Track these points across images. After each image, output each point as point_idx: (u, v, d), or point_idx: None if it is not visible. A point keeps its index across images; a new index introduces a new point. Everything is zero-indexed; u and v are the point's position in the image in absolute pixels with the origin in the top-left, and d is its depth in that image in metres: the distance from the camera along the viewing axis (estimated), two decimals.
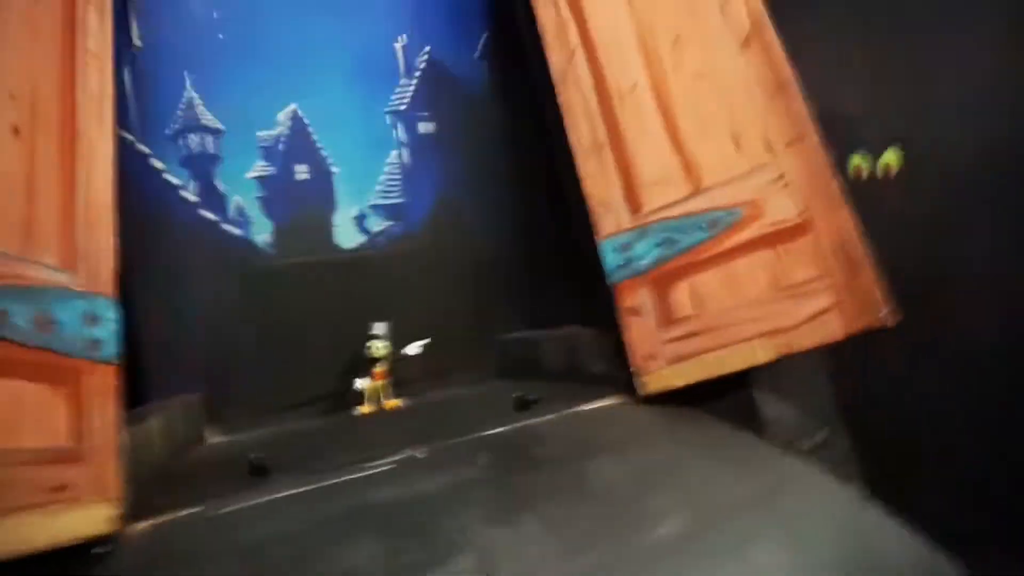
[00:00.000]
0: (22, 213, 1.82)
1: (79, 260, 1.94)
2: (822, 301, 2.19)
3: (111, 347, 1.96)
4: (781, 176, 2.26)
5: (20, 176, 1.83)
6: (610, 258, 2.62)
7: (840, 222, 2.17)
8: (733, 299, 2.38)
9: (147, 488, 2.31)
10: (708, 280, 2.42)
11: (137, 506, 2.04)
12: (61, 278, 1.88)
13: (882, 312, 2.09)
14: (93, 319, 1.93)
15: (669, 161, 2.50)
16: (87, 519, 1.78)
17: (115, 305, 2.00)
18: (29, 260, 1.80)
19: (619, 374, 2.77)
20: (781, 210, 2.27)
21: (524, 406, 2.72)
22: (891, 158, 2.73)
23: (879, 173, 2.75)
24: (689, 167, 2.46)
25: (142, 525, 1.94)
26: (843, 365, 2.61)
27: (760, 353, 2.30)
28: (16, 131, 1.84)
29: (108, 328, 1.96)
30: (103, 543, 1.81)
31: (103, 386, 1.92)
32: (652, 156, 2.55)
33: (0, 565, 1.54)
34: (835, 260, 2.18)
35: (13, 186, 1.81)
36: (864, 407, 2.61)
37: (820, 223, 2.21)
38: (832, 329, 2.18)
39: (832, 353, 2.44)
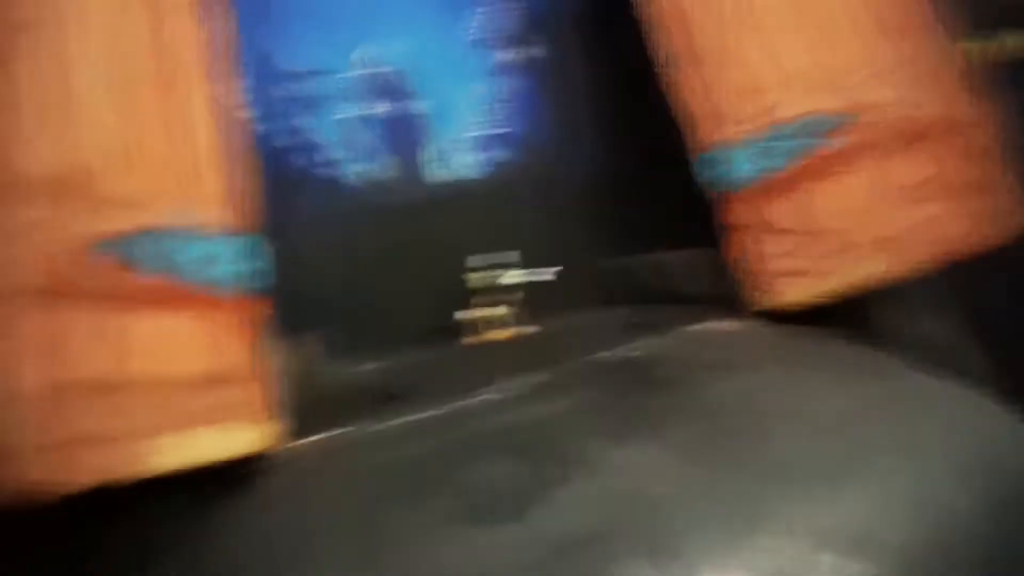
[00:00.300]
0: (169, 158, 1.95)
1: (216, 202, 2.08)
2: (955, 206, 2.07)
3: (256, 281, 2.12)
4: (903, 68, 2.11)
5: (162, 122, 1.94)
6: (711, 173, 2.52)
7: (977, 116, 2.01)
8: (848, 209, 2.26)
9: (292, 413, 2.53)
10: (817, 190, 2.30)
11: (293, 426, 2.25)
12: (203, 219, 2.03)
13: None
14: (236, 257, 2.08)
15: (771, 66, 2.36)
16: (246, 437, 1.95)
17: (258, 242, 2.17)
18: (173, 204, 1.95)
19: (728, 293, 2.73)
20: (903, 106, 2.13)
21: (636, 329, 2.73)
22: None
23: None
24: (794, 72, 2.31)
25: (290, 445, 2.14)
26: (977, 274, 2.45)
27: (876, 264, 2.20)
28: (156, 79, 1.96)
29: (249, 265, 2.12)
30: (258, 461, 2.01)
31: (253, 318, 2.09)
32: (753, 61, 2.39)
33: (177, 480, 1.75)
34: (972, 160, 2.03)
35: (157, 132, 1.92)
36: (1003, 318, 2.44)
37: (952, 118, 2.06)
38: (965, 237, 2.05)
39: (965, 262, 2.30)
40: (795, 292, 2.39)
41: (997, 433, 1.81)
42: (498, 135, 3.74)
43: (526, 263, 3.23)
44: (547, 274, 3.21)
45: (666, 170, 3.21)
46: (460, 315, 3.39)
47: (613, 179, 3.85)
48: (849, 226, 2.30)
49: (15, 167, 1.64)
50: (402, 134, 3.65)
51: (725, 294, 2.77)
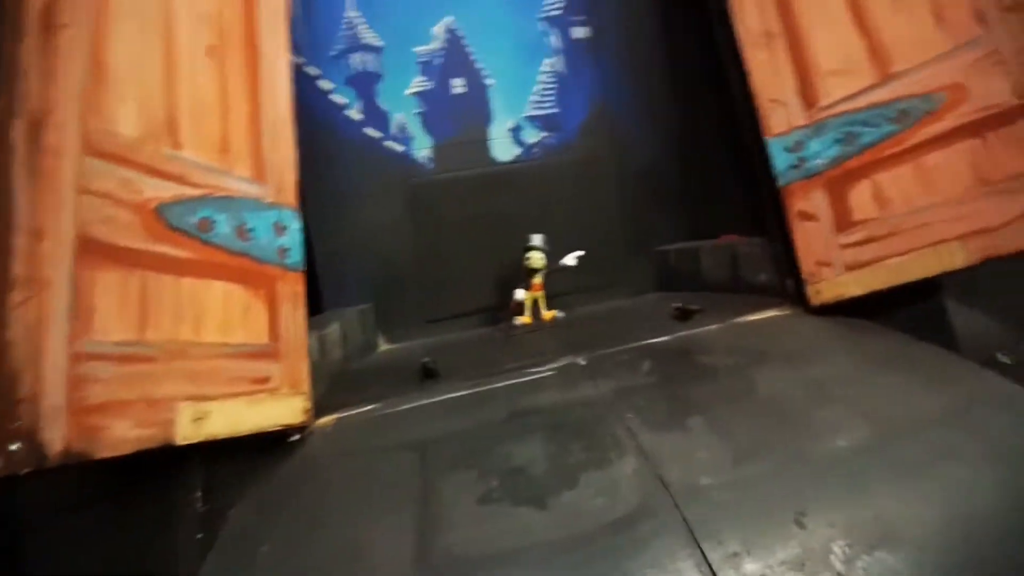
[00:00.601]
0: (218, 129, 2.01)
1: (267, 173, 2.13)
2: None
3: (297, 255, 2.16)
4: (995, 51, 1.96)
5: (215, 94, 2.02)
6: (780, 159, 2.44)
7: None
8: (926, 198, 2.14)
9: (331, 386, 2.57)
10: (895, 178, 2.20)
11: (323, 402, 2.29)
12: (253, 190, 2.08)
13: None
14: (281, 228, 2.12)
15: (852, 45, 2.25)
16: (284, 409, 2.01)
17: (298, 215, 2.19)
18: (227, 173, 2.01)
19: (787, 284, 2.64)
20: (992, 92, 1.98)
21: (686, 316, 2.68)
22: None
23: None
24: (876, 51, 2.20)
25: (328, 418, 2.17)
26: None
27: (956, 257, 2.07)
28: (210, 51, 2.03)
29: (294, 237, 2.16)
30: (295, 433, 2.04)
31: (292, 291, 2.13)
32: (832, 41, 2.31)
33: (217, 447, 1.78)
34: None
35: (211, 103, 2.00)
36: None
37: None
38: None
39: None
40: (862, 284, 2.30)
41: None
42: (556, 116, 3.70)
43: (573, 246, 3.20)
44: (582, 257, 3.16)
45: (731, 155, 3.11)
46: (502, 296, 3.39)
47: (675, 164, 3.77)
48: (931, 217, 2.17)
49: (102, 128, 1.69)
50: (470, 111, 3.65)
51: (783, 284, 2.68)
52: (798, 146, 2.40)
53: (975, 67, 2.00)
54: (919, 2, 2.10)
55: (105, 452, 1.51)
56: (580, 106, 3.74)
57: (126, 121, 1.72)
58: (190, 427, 1.69)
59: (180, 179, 1.84)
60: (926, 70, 2.10)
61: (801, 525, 1.49)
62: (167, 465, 1.73)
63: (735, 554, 1.44)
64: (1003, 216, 1.99)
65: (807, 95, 2.38)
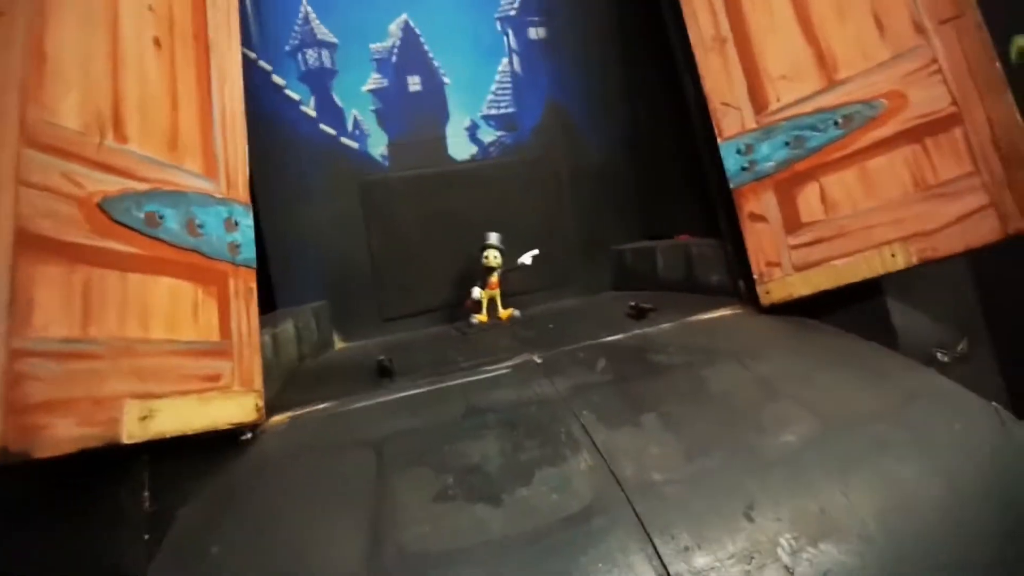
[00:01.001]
0: (167, 122, 1.97)
1: (218, 167, 2.10)
2: (974, 200, 2.01)
3: (249, 251, 2.14)
4: (932, 61, 2.05)
5: (163, 86, 1.98)
6: (732, 161, 2.52)
7: (1000, 111, 1.95)
8: (869, 201, 2.23)
9: (285, 385, 2.55)
10: (841, 181, 2.28)
11: (277, 400, 2.26)
12: (204, 184, 2.05)
13: None
14: (233, 224, 2.09)
15: (800, 52, 2.33)
16: (235, 407, 1.98)
17: (250, 211, 2.16)
18: (175, 167, 1.97)
19: (738, 284, 2.71)
20: (930, 100, 2.07)
21: (640, 315, 2.74)
22: None
23: None
24: (823, 57, 2.29)
25: (281, 417, 2.14)
26: (988, 271, 2.39)
27: (898, 258, 2.16)
28: (158, 43, 1.98)
29: (246, 233, 2.14)
30: (247, 432, 2.01)
31: (244, 288, 2.10)
32: (781, 48, 2.38)
33: (165, 446, 1.74)
34: (992, 154, 1.97)
35: (158, 95, 1.96)
36: (1012, 316, 2.40)
37: (975, 113, 2.00)
38: (985, 231, 2.00)
39: (977, 258, 2.24)
40: (809, 284, 2.37)
41: (1011, 444, 1.78)
42: (512, 115, 3.71)
43: (529, 245, 3.22)
44: (538, 256, 3.19)
45: (684, 157, 3.18)
46: (459, 294, 3.40)
47: (630, 164, 3.82)
48: (874, 220, 2.26)
49: (43, 119, 1.64)
50: (426, 109, 3.64)
51: (734, 284, 2.75)
52: (749, 149, 2.47)
53: (914, 76, 2.09)
54: (862, 12, 2.18)
55: (46, 452, 1.47)
56: (535, 106, 3.77)
57: (69, 113, 1.67)
58: (137, 425, 1.65)
59: (126, 173, 1.79)
60: (869, 77, 2.19)
61: (749, 519, 1.54)
62: (113, 464, 1.69)
63: (686, 548, 1.48)
64: (940, 220, 2.08)
65: (758, 99, 2.45)
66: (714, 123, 2.55)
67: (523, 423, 1.93)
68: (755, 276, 2.51)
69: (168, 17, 2.02)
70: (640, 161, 3.82)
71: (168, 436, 1.74)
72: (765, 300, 2.49)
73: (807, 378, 2.02)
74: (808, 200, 2.36)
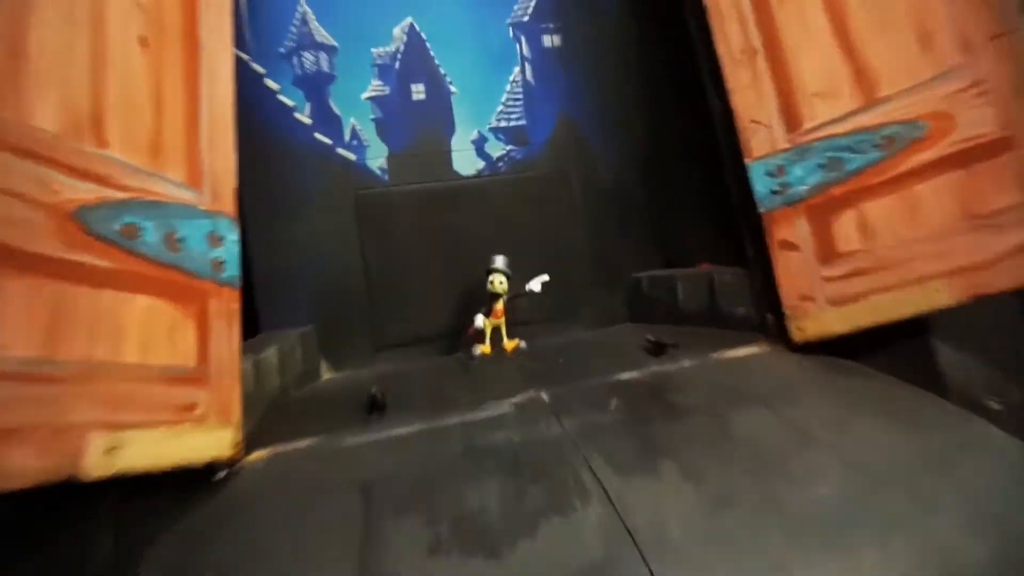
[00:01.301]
0: (150, 126, 1.99)
1: (203, 177, 2.11)
2: None
3: (233, 268, 2.14)
4: (979, 81, 2.05)
5: (148, 88, 2.00)
6: (761, 183, 2.52)
7: None
8: (911, 230, 2.22)
9: (266, 418, 2.53)
10: (881, 208, 2.27)
11: (256, 435, 2.25)
12: (187, 195, 2.06)
13: None
14: (217, 239, 2.09)
15: (837, 67, 2.34)
16: (211, 442, 1.96)
17: (236, 225, 2.16)
18: (158, 175, 1.98)
19: (767, 318, 2.69)
20: (977, 123, 2.07)
21: (659, 351, 2.72)
22: None
23: None
24: (861, 74, 2.29)
25: (261, 453, 2.13)
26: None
27: (943, 295, 2.15)
28: (144, 42, 2.00)
29: (230, 249, 2.14)
30: (222, 469, 1.99)
31: (226, 309, 2.10)
32: (816, 62, 2.40)
33: (133, 482, 1.72)
34: None
35: (142, 98, 1.98)
36: None
37: None
38: None
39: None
40: (846, 320, 2.36)
41: None
42: (523, 128, 3.74)
43: (538, 270, 3.21)
44: (547, 284, 3.18)
45: (708, 178, 3.18)
46: (460, 322, 3.39)
47: (649, 184, 3.83)
48: (918, 252, 2.25)
49: (17, 121, 1.65)
50: (431, 119, 3.66)
51: (763, 318, 2.74)
52: (780, 171, 2.47)
53: (961, 96, 2.09)
54: (904, 26, 2.19)
55: (1, 484, 1.45)
56: (548, 119, 3.79)
57: (45, 114, 1.68)
58: (102, 459, 1.64)
59: (104, 180, 1.81)
60: (912, 96, 2.19)
61: None
62: (75, 501, 1.68)
63: None
64: (990, 253, 2.06)
65: (790, 117, 2.46)
66: (742, 142, 2.56)
67: (527, 467, 1.91)
68: (786, 310, 2.49)
69: (157, 15, 2.05)
70: (659, 181, 3.83)
71: (136, 472, 1.72)
72: (797, 337, 2.47)
73: (843, 425, 1.99)
74: (845, 228, 2.35)
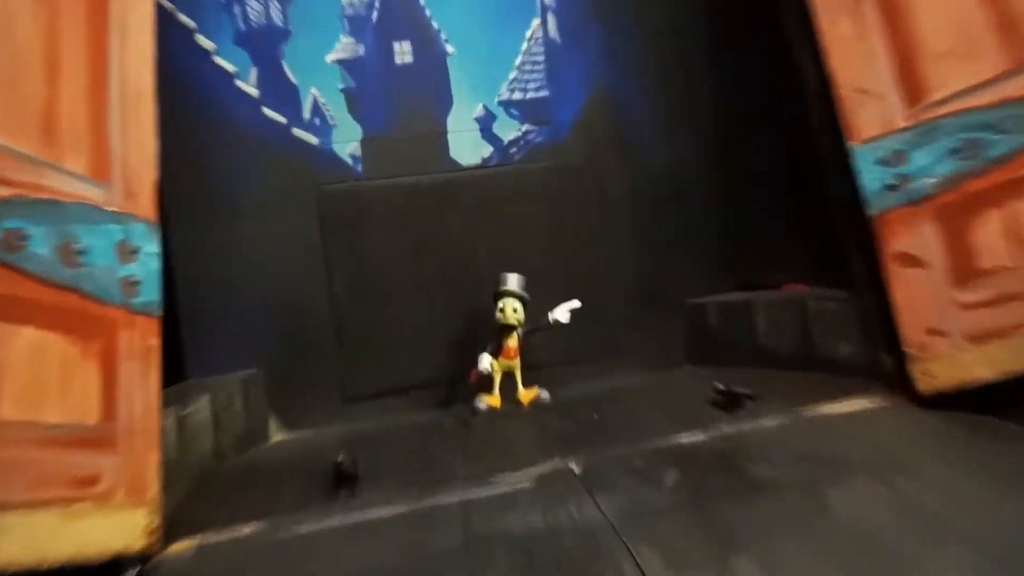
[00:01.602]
0: (42, 98, 1.97)
1: (112, 168, 2.10)
2: None
3: (151, 291, 2.13)
4: None
5: (39, 49, 1.98)
6: (871, 175, 2.49)
7: None
8: None
9: (194, 494, 2.53)
10: None
11: (180, 518, 2.23)
12: (91, 192, 2.05)
13: None
14: (129, 251, 2.09)
15: (972, 17, 2.32)
16: (118, 528, 1.94)
17: (156, 233, 2.15)
18: (50, 165, 1.97)
19: (881, 359, 2.68)
20: None
21: (732, 404, 2.71)
22: None
23: None
24: (1007, 26, 2.27)
25: (185, 544, 2.11)
26: None
27: None
28: None
29: (148, 265, 2.13)
30: (132, 566, 1.97)
31: (141, 346, 2.08)
32: (944, 10, 2.38)
33: None
34: None
35: (30, 62, 1.97)
36: None
37: None
38: None
39: None
40: (992, 364, 2.33)
41: None
42: (544, 102, 3.74)
43: (576, 292, 3.19)
44: (576, 311, 3.16)
45: (793, 170, 3.16)
46: (461, 364, 3.37)
47: (713, 178, 3.82)
48: None
49: None
50: (419, 90, 3.67)
51: (881, 360, 2.72)
52: (898, 158, 2.45)
53: None
54: None
55: None
56: (577, 91, 3.80)
57: None
58: None
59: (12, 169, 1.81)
60: None
61: None
62: None
63: None
64: None
65: (910, 85, 2.44)
66: (843, 119, 2.54)
67: (550, 563, 1.87)
68: (907, 349, 2.47)
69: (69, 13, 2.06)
70: (730, 174, 3.81)
71: (18, 569, 1.70)
72: (924, 386, 2.44)
73: (989, 510, 1.94)
74: (988, 236, 2.33)
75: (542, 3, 3.77)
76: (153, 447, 2.07)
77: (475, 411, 3.10)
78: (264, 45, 3.52)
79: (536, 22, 3.76)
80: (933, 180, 2.39)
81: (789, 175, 3.27)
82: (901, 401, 2.52)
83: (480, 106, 3.69)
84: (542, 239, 3.61)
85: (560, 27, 3.77)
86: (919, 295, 2.43)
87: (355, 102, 3.58)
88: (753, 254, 3.73)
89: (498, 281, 3.16)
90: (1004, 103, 2.26)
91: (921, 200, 2.41)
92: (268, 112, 3.50)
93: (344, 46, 3.59)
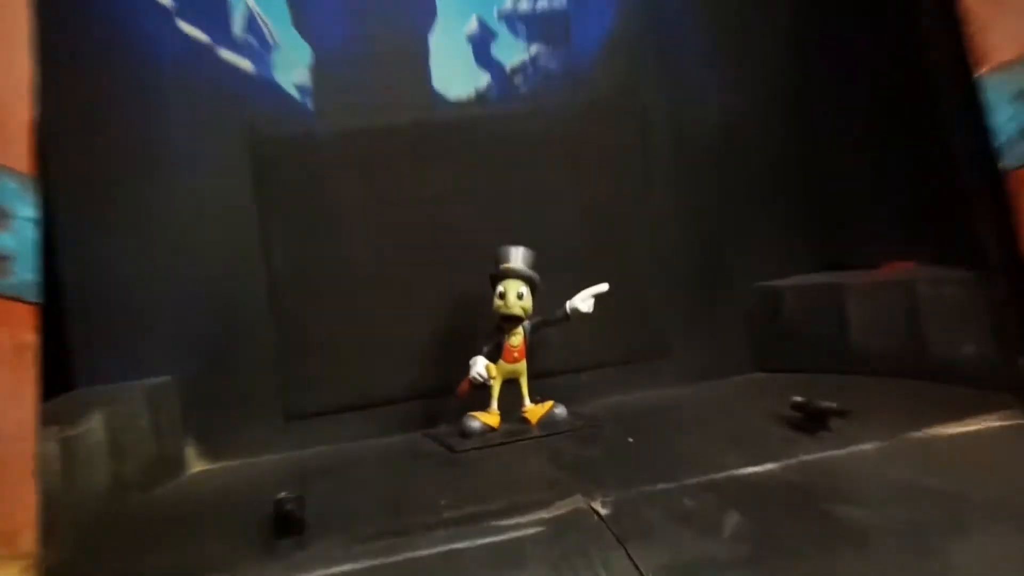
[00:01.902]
0: None
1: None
2: None
3: (27, 270, 2.11)
4: None
5: None
6: (1004, 114, 2.49)
7: None
8: None
9: (85, 543, 2.52)
10: None
11: (66, 573, 2.22)
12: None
13: None
14: (32, 213, 2.07)
15: None
16: None
17: (36, 193, 2.14)
18: None
19: (1021, 364, 2.67)
20: None
21: (815, 422, 2.71)
22: None
23: None
24: None
25: None
26: None
27: None
28: None
29: (23, 234, 2.11)
30: None
31: (14, 343, 2.07)
32: None
33: None
34: None
35: None
36: None
37: None
38: None
39: None
40: None
41: None
42: (558, 17, 3.75)
43: (602, 274, 3.18)
44: (601, 295, 3.15)
45: (896, 114, 3.17)
46: (445, 369, 3.36)
47: (783, 124, 3.83)
48: None
49: None
50: (407, 30, 3.68)
51: (1005, 363, 2.75)
52: None
53: None
54: None
55: None
56: (603, 6, 3.79)
57: None
58: None
59: None
60: None
61: None
62: None
63: None
64: None
65: None
66: (969, 39, 2.54)
67: None
68: None
69: None
70: (809, 125, 3.81)
71: None
72: None
73: None
74: None
75: None
76: (27, 480, 2.06)
77: (465, 432, 3.11)
78: None
79: None
80: None
81: (891, 123, 3.27)
82: None
83: (474, 19, 3.69)
84: (557, 201, 3.60)
85: None
86: None
87: (303, 13, 3.57)
88: (843, 224, 3.74)
89: (497, 258, 3.15)
90: None
91: None
92: (185, 27, 3.48)
93: None
